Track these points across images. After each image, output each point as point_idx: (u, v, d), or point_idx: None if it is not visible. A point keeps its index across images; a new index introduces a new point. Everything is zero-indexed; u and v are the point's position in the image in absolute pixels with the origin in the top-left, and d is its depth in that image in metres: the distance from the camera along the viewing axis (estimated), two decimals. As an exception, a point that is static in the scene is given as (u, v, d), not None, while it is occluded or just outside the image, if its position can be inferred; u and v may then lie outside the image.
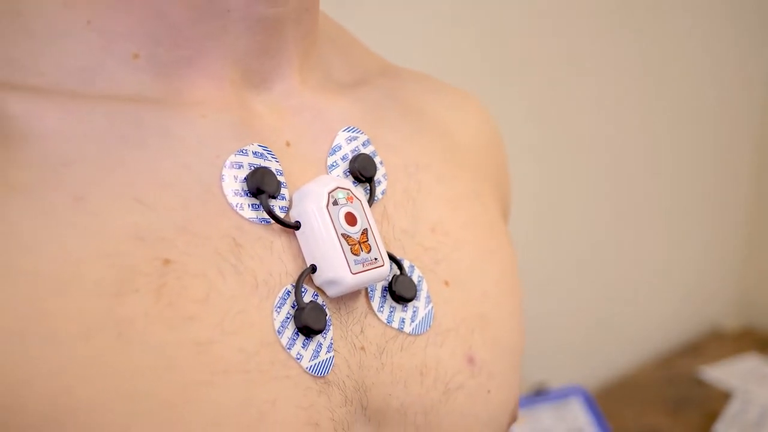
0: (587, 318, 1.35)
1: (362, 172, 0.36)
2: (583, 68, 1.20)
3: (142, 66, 0.33)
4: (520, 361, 0.42)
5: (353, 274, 0.33)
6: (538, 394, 1.13)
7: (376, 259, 0.34)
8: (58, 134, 0.29)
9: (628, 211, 1.38)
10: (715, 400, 1.27)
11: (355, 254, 0.33)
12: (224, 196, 0.32)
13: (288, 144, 0.36)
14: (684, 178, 1.47)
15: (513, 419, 0.41)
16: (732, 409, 1.21)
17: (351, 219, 0.34)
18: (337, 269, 0.32)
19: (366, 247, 0.34)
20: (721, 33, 1.44)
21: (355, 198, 0.35)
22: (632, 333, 1.45)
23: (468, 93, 0.48)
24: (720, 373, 1.36)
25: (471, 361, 0.38)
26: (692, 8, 1.37)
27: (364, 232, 0.34)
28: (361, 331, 0.35)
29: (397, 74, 0.45)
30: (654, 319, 1.49)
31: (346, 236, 0.33)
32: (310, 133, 0.37)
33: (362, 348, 0.34)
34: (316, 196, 0.33)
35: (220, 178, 0.32)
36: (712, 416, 1.21)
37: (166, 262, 0.29)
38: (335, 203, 0.34)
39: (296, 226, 0.33)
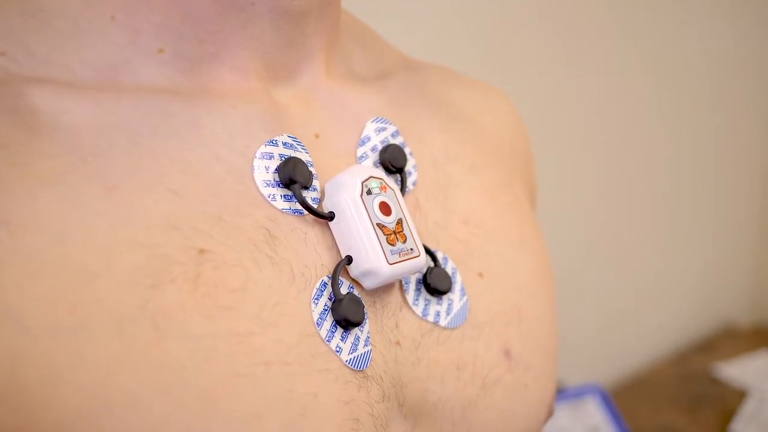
0: (601, 316, 1.34)
1: (393, 162, 0.36)
2: (584, 68, 1.20)
3: (168, 61, 0.32)
4: (557, 353, 0.41)
5: (390, 264, 0.32)
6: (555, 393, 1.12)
7: (411, 249, 0.33)
8: (86, 126, 0.29)
9: (641, 209, 1.37)
10: (731, 399, 1.25)
11: (391, 244, 0.32)
12: (256, 186, 0.31)
13: (317, 136, 0.35)
14: (697, 175, 1.47)
15: (550, 414, 0.40)
16: (748, 408, 1.20)
17: (385, 208, 0.33)
18: (374, 260, 0.32)
19: (402, 237, 0.33)
20: (727, 28, 1.44)
21: (388, 187, 0.34)
22: (646, 331, 1.44)
23: (494, 86, 0.48)
24: (734, 370, 1.34)
25: (507, 354, 0.37)
26: (696, 6, 1.36)
27: (399, 221, 0.33)
28: (396, 326, 0.34)
29: (420, 67, 0.45)
30: (667, 316, 1.48)
31: (381, 226, 0.32)
32: (339, 125, 0.36)
33: (397, 342, 0.34)
34: (350, 186, 0.32)
35: (252, 168, 0.31)
36: (728, 414, 1.20)
37: (202, 251, 0.28)
38: (369, 193, 0.33)
39: (330, 216, 0.32)
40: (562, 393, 1.11)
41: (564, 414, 1.10)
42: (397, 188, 0.34)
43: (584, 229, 1.28)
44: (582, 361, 1.30)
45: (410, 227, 0.34)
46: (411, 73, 0.43)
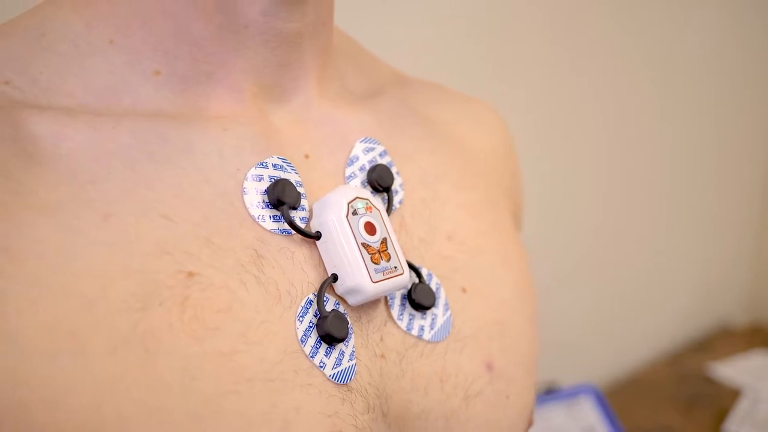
0: (597, 316, 1.35)
1: (379, 182, 0.37)
2: (584, 67, 1.20)
3: (164, 82, 0.33)
4: (536, 366, 0.42)
5: (374, 282, 0.33)
6: (549, 393, 1.13)
7: (395, 267, 0.34)
8: (84, 153, 0.30)
9: (637, 209, 1.38)
10: (726, 398, 1.27)
11: (375, 263, 0.34)
12: (246, 208, 0.32)
13: (307, 156, 0.36)
14: (694, 174, 1.47)
15: (530, 425, 0.41)
16: (742, 408, 1.21)
17: (370, 228, 0.34)
18: (358, 278, 0.33)
19: (386, 256, 0.34)
20: (728, 26, 1.44)
21: (374, 208, 0.35)
22: (642, 331, 1.45)
23: (481, 101, 0.49)
24: (730, 370, 1.36)
25: (490, 367, 0.38)
26: (695, 4, 1.37)
27: (384, 241, 0.35)
28: (381, 339, 0.35)
29: (410, 84, 0.46)
30: (664, 316, 1.49)
31: (366, 245, 0.34)
32: (328, 145, 0.37)
33: (382, 356, 0.35)
34: (336, 206, 0.34)
35: (242, 191, 0.33)
36: (723, 414, 1.21)
37: (190, 274, 0.30)
38: (355, 213, 0.34)
39: (317, 236, 0.34)
40: (556, 393, 1.13)
41: (558, 414, 1.12)
42: (382, 208, 0.36)
43: (581, 228, 1.29)
44: (578, 361, 1.31)
45: (395, 246, 0.35)
46: (402, 90, 0.44)
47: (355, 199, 0.34)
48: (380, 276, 0.34)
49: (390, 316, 0.36)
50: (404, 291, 0.36)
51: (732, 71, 1.47)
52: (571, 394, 1.14)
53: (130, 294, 0.28)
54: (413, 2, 0.96)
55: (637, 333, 1.44)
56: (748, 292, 1.67)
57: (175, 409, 0.28)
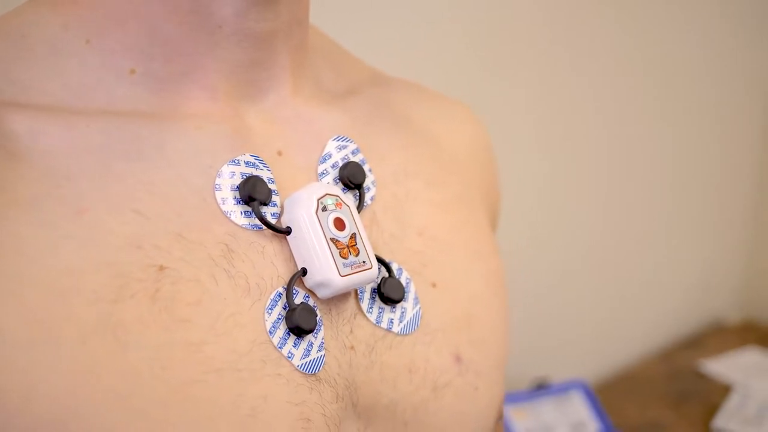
0: (590, 313, 1.36)
1: (351, 179, 0.38)
2: (584, 67, 1.21)
3: (139, 81, 0.34)
4: (506, 360, 0.43)
5: (342, 276, 0.34)
6: (540, 388, 1.14)
7: (364, 262, 0.36)
8: (60, 150, 0.31)
9: (629, 206, 1.39)
10: (717, 394, 1.28)
11: (344, 257, 0.35)
12: (218, 204, 0.33)
13: (280, 153, 0.37)
14: (687, 171, 1.48)
15: (500, 416, 0.42)
16: (731, 403, 1.22)
17: (340, 224, 0.35)
18: (326, 272, 0.34)
19: (354, 251, 0.35)
20: (722, 27, 1.45)
21: (343, 204, 0.36)
22: (634, 327, 1.46)
23: (458, 102, 0.50)
24: (721, 366, 1.37)
25: (458, 359, 0.39)
26: (693, 4, 1.38)
27: (353, 236, 0.36)
28: (351, 331, 0.36)
29: (387, 83, 0.46)
30: (656, 312, 1.50)
31: (335, 240, 0.35)
32: (302, 143, 0.38)
33: (352, 347, 0.36)
34: (305, 202, 0.35)
35: (214, 187, 0.34)
36: (714, 409, 1.22)
37: (161, 268, 0.31)
38: (324, 209, 0.35)
39: (287, 231, 0.35)
40: (546, 389, 1.14)
41: (549, 409, 1.13)
42: (353, 204, 0.37)
43: (573, 226, 1.29)
44: (570, 358, 1.32)
45: (364, 241, 0.36)
46: (378, 89, 0.45)
47: (325, 196, 0.35)
48: (348, 270, 0.35)
49: (360, 308, 0.37)
50: (374, 285, 0.37)
51: (723, 73, 1.48)
52: (562, 389, 1.15)
53: (102, 286, 0.29)
54: (411, 3, 0.97)
55: (630, 329, 1.45)
56: (741, 289, 1.67)
57: (145, 397, 0.29)
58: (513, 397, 1.12)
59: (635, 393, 1.31)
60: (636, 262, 1.44)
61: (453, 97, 0.50)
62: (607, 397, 1.25)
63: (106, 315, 0.29)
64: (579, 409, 1.14)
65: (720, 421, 1.17)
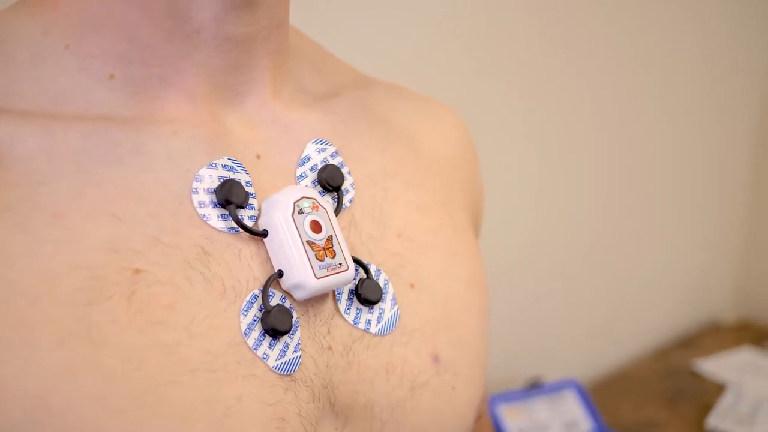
0: (585, 312, 1.37)
1: (329, 181, 0.38)
2: (582, 66, 1.21)
3: (118, 85, 0.35)
4: (485, 360, 0.43)
5: (317, 278, 0.35)
6: (533, 388, 1.15)
7: (340, 264, 0.36)
8: (38, 155, 0.32)
9: (625, 204, 1.39)
10: (711, 393, 1.28)
11: (320, 260, 0.35)
12: (194, 207, 0.34)
13: (258, 156, 0.38)
14: (683, 171, 1.48)
15: (478, 416, 0.43)
16: (725, 402, 1.23)
17: (316, 226, 0.36)
18: (302, 274, 0.35)
19: (330, 253, 0.36)
20: (719, 27, 1.45)
21: (320, 206, 0.37)
22: (630, 327, 1.46)
23: (441, 103, 0.50)
24: (715, 365, 1.37)
25: (436, 359, 0.40)
26: (690, 2, 1.38)
27: (329, 238, 0.36)
28: (328, 332, 0.37)
29: (370, 85, 0.47)
30: (652, 312, 1.50)
31: (311, 243, 0.35)
32: (280, 146, 0.39)
33: (329, 348, 0.36)
34: (282, 205, 0.35)
35: (191, 191, 0.34)
36: (708, 408, 1.23)
37: (137, 271, 0.31)
38: (301, 212, 0.36)
39: (264, 234, 0.35)
40: (540, 388, 1.14)
41: (542, 408, 1.13)
42: (329, 207, 0.37)
43: (568, 226, 1.30)
44: (564, 358, 1.33)
45: (340, 243, 0.37)
46: (360, 91, 0.46)
47: (301, 199, 0.36)
48: (324, 272, 0.35)
49: (337, 310, 0.37)
50: (352, 286, 0.38)
51: (719, 72, 1.48)
52: (555, 389, 1.15)
53: (78, 289, 0.30)
54: (405, 3, 0.97)
55: (625, 329, 1.45)
56: (736, 288, 1.68)
57: (120, 397, 0.30)
58: (506, 397, 1.12)
59: (630, 392, 1.32)
60: (632, 262, 1.44)
61: (436, 99, 0.50)
62: (602, 396, 1.26)
63: (81, 317, 0.30)
64: (572, 408, 1.14)
65: (713, 420, 1.17)
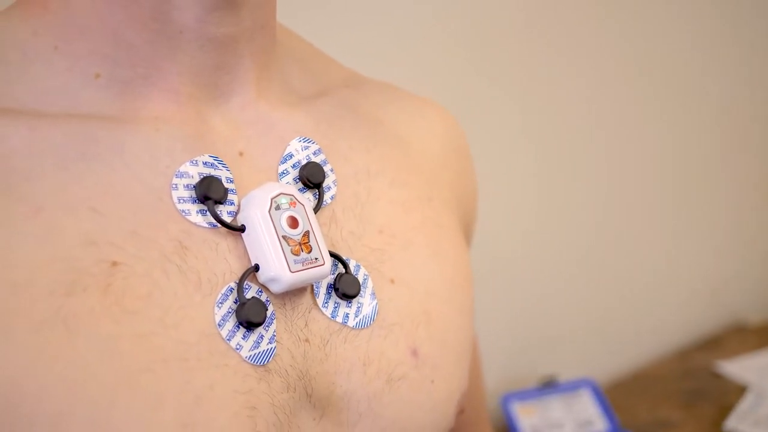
0: (607, 310, 1.36)
1: (310, 178, 0.40)
2: (580, 66, 1.21)
3: (104, 85, 0.36)
4: (469, 355, 0.44)
5: (292, 272, 0.36)
6: (548, 386, 1.14)
7: (316, 258, 0.37)
8: (21, 151, 0.33)
9: (647, 202, 1.38)
10: (731, 394, 1.26)
11: (296, 254, 0.36)
12: (173, 203, 0.35)
13: (241, 154, 0.39)
14: (706, 166, 1.46)
15: (460, 410, 0.43)
16: (745, 404, 1.21)
17: (293, 222, 0.37)
18: (277, 268, 0.36)
19: (306, 248, 0.37)
20: (719, 27, 1.43)
21: (298, 203, 0.38)
22: (651, 326, 1.45)
23: (432, 102, 0.51)
24: (737, 367, 1.35)
25: (414, 353, 0.40)
26: (694, 4, 1.36)
27: (306, 234, 0.37)
28: (306, 325, 0.38)
29: (360, 85, 0.48)
30: (674, 312, 1.49)
31: (287, 238, 0.36)
32: (263, 144, 0.40)
33: (306, 340, 0.37)
34: (259, 201, 0.36)
35: (171, 186, 0.35)
36: (727, 410, 1.21)
37: (114, 264, 0.33)
38: (278, 208, 0.37)
39: (241, 229, 0.36)
40: (555, 387, 1.14)
41: (557, 407, 1.13)
42: (308, 203, 0.38)
43: (583, 220, 1.29)
44: (584, 356, 1.32)
45: (317, 239, 0.38)
46: (349, 90, 0.47)
47: (279, 195, 0.37)
48: (299, 266, 0.36)
49: (315, 303, 0.38)
50: (330, 280, 0.39)
51: (735, 64, 1.46)
52: (570, 387, 1.15)
53: (55, 281, 0.31)
54: (401, 6, 0.98)
55: (646, 329, 1.44)
56: (762, 289, 1.65)
57: (93, 384, 0.31)
58: (521, 395, 1.12)
59: (647, 392, 1.30)
60: (655, 261, 1.43)
61: (428, 98, 0.51)
62: (619, 396, 1.25)
63: (58, 307, 0.31)
64: (587, 407, 1.14)
65: (732, 422, 1.16)
